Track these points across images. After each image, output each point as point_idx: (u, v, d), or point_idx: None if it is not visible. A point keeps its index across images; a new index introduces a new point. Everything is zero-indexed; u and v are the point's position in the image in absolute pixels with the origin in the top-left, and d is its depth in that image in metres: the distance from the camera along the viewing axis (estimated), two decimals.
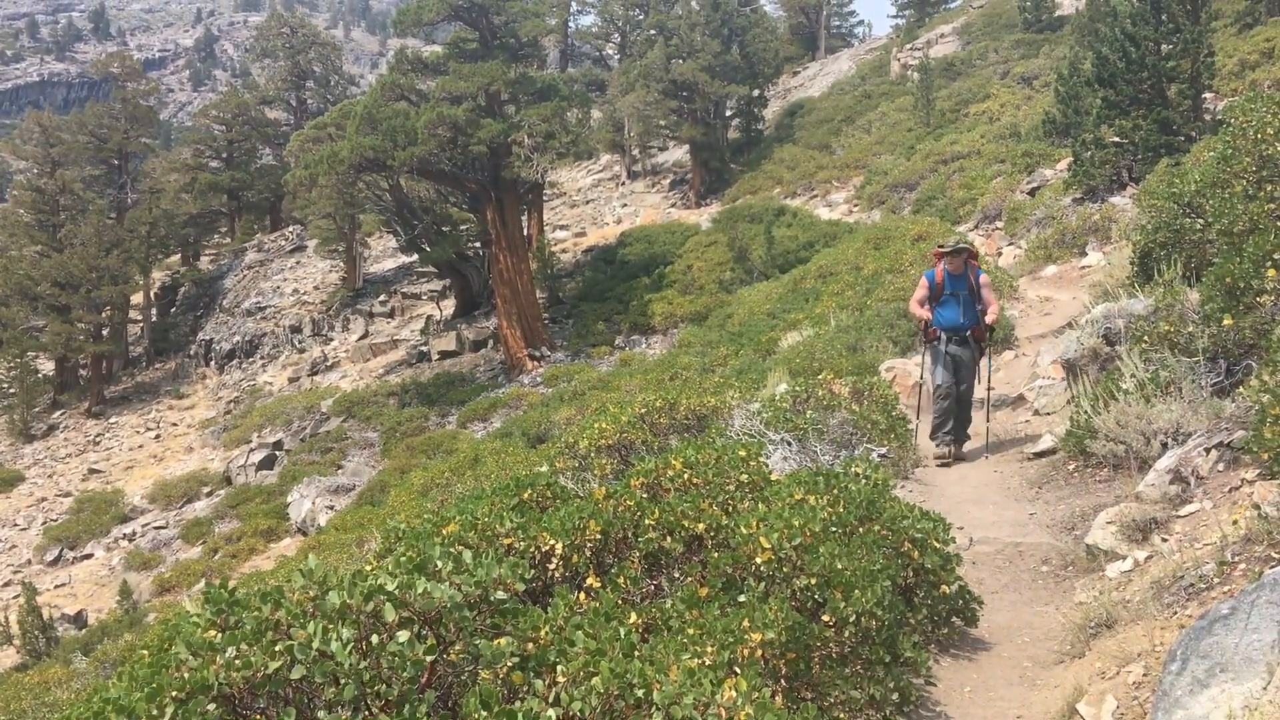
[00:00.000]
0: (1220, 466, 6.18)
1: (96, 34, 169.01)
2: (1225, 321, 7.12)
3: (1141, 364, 7.82)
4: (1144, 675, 4.32)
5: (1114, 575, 5.67)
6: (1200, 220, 9.58)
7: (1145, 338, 8.11)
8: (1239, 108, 9.01)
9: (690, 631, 3.83)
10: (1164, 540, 5.69)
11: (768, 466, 6.36)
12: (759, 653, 3.85)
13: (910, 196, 35.30)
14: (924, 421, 10.50)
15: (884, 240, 25.81)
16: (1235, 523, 5.00)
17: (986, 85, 42.81)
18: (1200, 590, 4.69)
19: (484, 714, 2.76)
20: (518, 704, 2.87)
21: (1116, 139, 22.18)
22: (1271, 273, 6.77)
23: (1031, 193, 26.52)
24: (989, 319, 9.81)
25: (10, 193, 60.07)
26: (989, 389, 10.19)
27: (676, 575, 4.83)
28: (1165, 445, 6.97)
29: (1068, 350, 10.21)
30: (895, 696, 4.48)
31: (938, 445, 9.80)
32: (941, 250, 9.84)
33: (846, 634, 4.43)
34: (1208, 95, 22.68)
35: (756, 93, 51.22)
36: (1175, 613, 4.65)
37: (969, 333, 9.80)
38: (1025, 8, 47.77)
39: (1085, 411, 7.97)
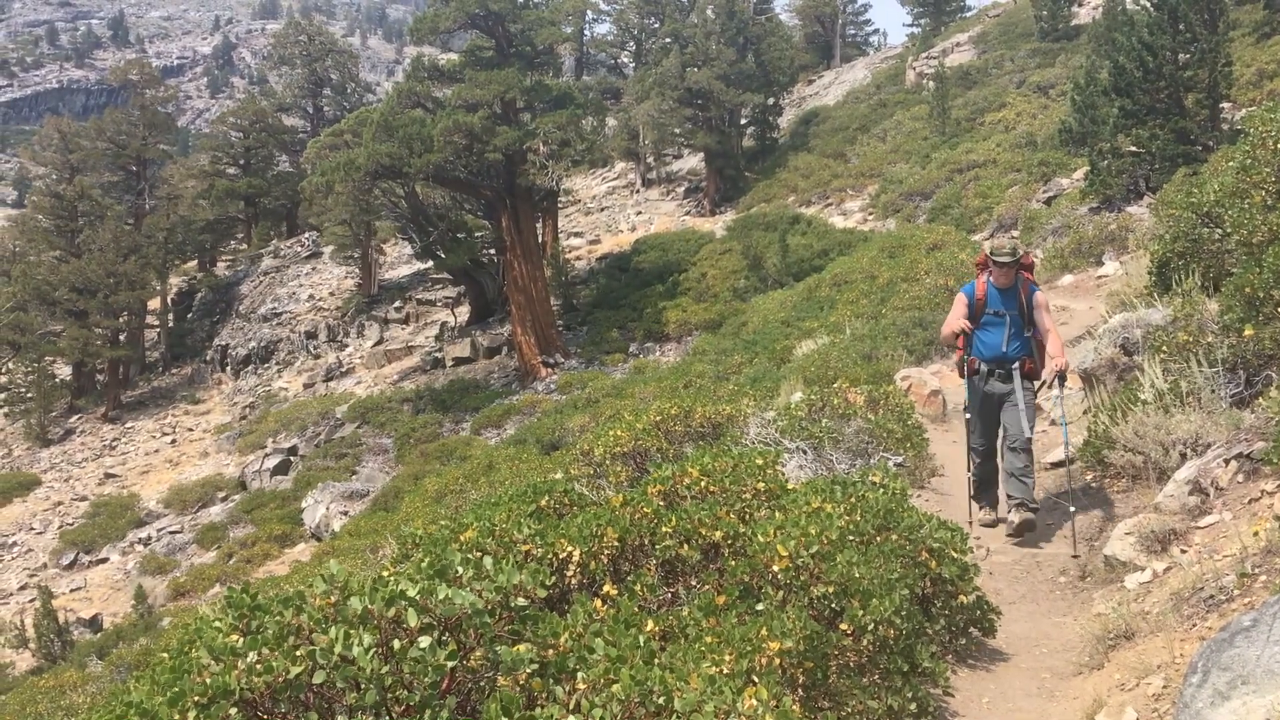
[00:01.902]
0: (1240, 478, 6.14)
1: (115, 41, 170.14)
2: (1245, 332, 7.09)
3: (1160, 374, 7.79)
4: (1164, 687, 4.30)
5: (1133, 586, 5.64)
6: (1219, 230, 9.53)
7: (1163, 348, 8.07)
8: (1258, 117, 8.98)
9: (708, 640, 3.83)
10: (1183, 551, 5.67)
11: (784, 475, 6.36)
12: (777, 661, 3.85)
13: (925, 205, 35.26)
14: (949, 439, 10.43)
15: (899, 249, 25.79)
16: (1255, 534, 4.98)
17: (1002, 94, 42.73)
18: (1220, 602, 4.66)
19: None
20: (538, 711, 2.88)
21: (1133, 148, 22.12)
22: None
23: (1047, 202, 26.48)
24: (1051, 352, 7.47)
25: (29, 198, 60.58)
26: (1066, 446, 7.79)
27: (694, 583, 4.83)
28: (1184, 456, 6.93)
29: (1085, 360, 10.17)
30: (913, 707, 4.46)
31: (981, 509, 7.92)
32: (996, 260, 7.58)
33: (864, 643, 4.42)
34: (1225, 105, 22.63)
35: (771, 101, 51.24)
36: (1195, 624, 4.62)
37: (1017, 365, 7.60)
38: (1041, 16, 47.65)
39: (1103, 422, 7.94)
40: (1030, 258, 7.87)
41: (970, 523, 7.66)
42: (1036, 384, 7.75)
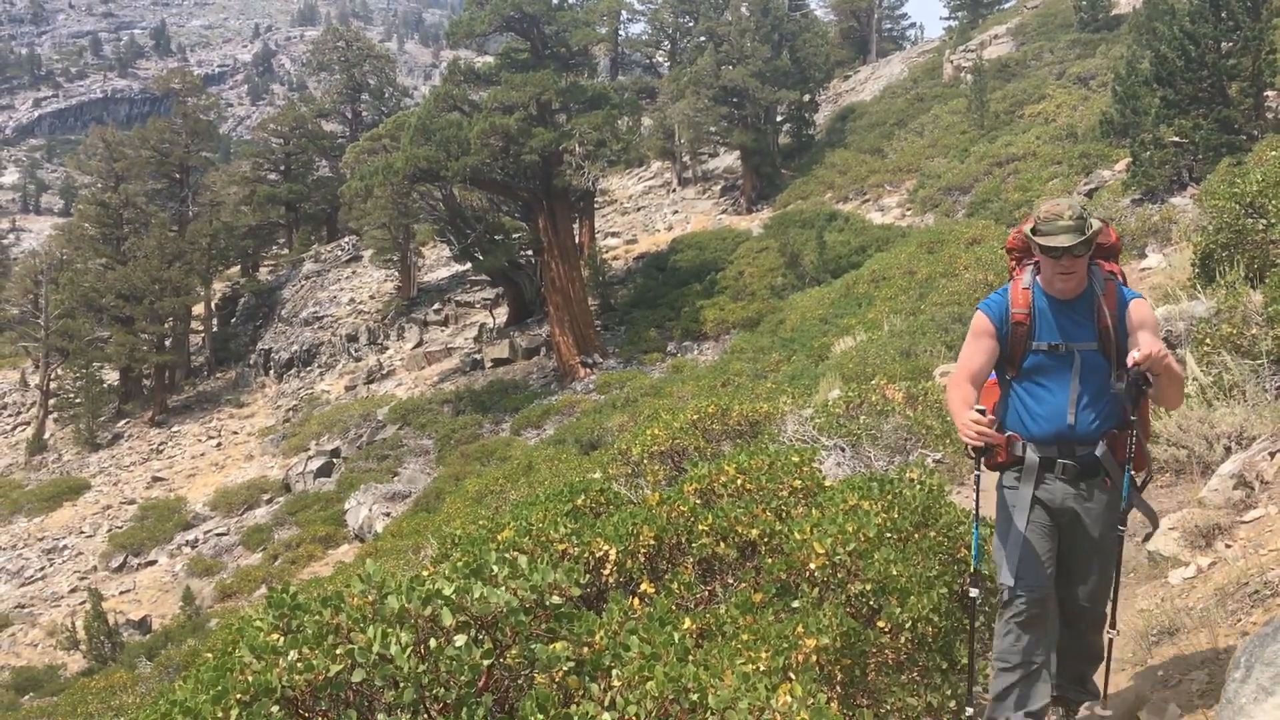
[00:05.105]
0: None
1: (158, 51, 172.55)
2: None
3: (1203, 367, 7.68)
4: (1207, 683, 4.25)
5: (1177, 582, 5.58)
6: (1263, 221, 9.39)
7: (1207, 340, 7.97)
8: None
9: (744, 637, 3.83)
10: (1228, 546, 5.59)
11: (821, 472, 6.34)
12: (814, 659, 3.84)
13: (964, 200, 34.98)
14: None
15: (937, 244, 25.64)
16: None
17: (1042, 86, 42.29)
18: (1265, 597, 4.60)
19: (540, 717, 2.79)
20: (573, 708, 2.89)
21: (1176, 139, 21.81)
22: None
23: (1089, 194, 26.18)
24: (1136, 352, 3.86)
25: (76, 207, 61.67)
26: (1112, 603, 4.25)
27: (730, 581, 4.83)
28: (1229, 449, 6.84)
29: None
30: (953, 704, 4.44)
31: None
32: (1047, 243, 3.97)
33: (902, 640, 4.40)
34: (1270, 93, 22.23)
35: (807, 98, 51.02)
36: (1239, 620, 4.57)
37: (1102, 450, 4.08)
38: (1081, 7, 47.08)
39: None
40: (1113, 233, 4.27)
41: None
42: (1140, 478, 4.18)
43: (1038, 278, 4.18)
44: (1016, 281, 4.28)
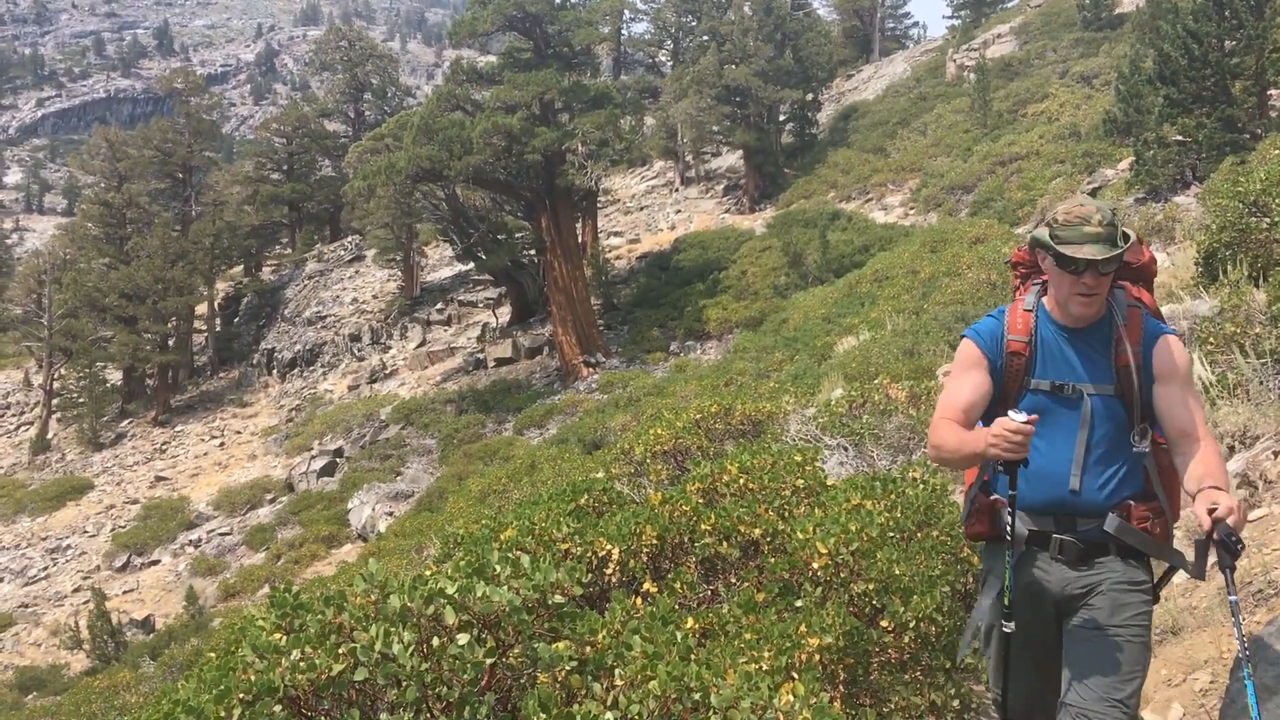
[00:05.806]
0: None
1: (160, 51, 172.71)
2: None
3: (1207, 366, 7.67)
4: (1211, 682, 4.25)
5: (1180, 581, 5.57)
6: (1267, 219, 9.38)
7: (1210, 339, 7.95)
8: None
9: (747, 636, 3.83)
10: None
11: (824, 472, 6.33)
12: (816, 658, 3.84)
13: (967, 199, 34.97)
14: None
15: (941, 243, 25.61)
16: None
17: (1045, 85, 42.24)
18: (1269, 596, 4.60)
19: (542, 716, 2.79)
20: (576, 707, 2.89)
21: (1179, 137, 21.80)
22: None
23: (1092, 193, 26.15)
24: (1199, 474, 3.07)
25: (79, 207, 61.75)
26: None
27: (733, 580, 4.82)
28: (1232, 449, 6.83)
29: None
30: (956, 703, 4.44)
31: None
32: (1068, 251, 3.14)
33: (906, 640, 4.40)
34: (1273, 92, 22.22)
35: (810, 97, 51.02)
36: (1243, 619, 4.56)
37: (1114, 523, 3.20)
38: (1084, 6, 47.02)
39: None
40: (1146, 251, 3.50)
41: None
42: (1160, 574, 3.42)
43: (1043, 299, 3.38)
44: (1018, 302, 3.45)
